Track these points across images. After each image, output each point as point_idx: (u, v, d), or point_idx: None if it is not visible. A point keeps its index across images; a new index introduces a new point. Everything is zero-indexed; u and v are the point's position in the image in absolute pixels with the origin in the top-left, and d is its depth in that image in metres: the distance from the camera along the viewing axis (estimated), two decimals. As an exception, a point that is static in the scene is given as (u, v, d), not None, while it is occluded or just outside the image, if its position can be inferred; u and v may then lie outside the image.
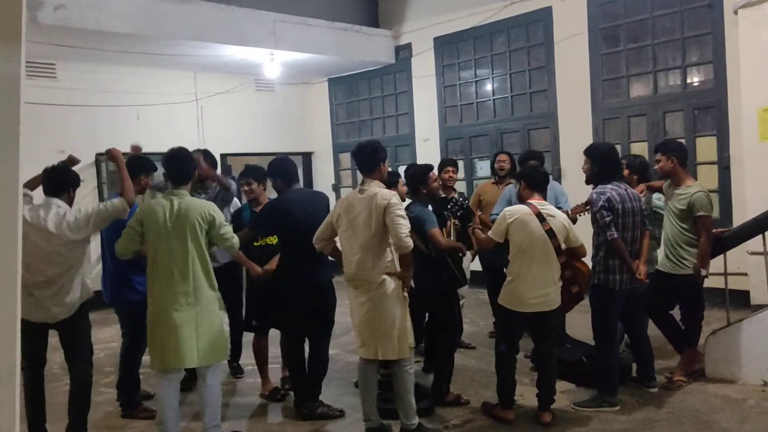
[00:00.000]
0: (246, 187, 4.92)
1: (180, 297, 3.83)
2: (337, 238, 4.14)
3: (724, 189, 6.85)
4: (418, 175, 4.63)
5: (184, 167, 4.08)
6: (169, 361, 3.87)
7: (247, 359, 5.38)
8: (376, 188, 3.92)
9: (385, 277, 3.88)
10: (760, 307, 5.49)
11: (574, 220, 4.58)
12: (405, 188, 4.85)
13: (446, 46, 9.52)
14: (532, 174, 4.44)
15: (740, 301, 5.92)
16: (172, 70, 9.38)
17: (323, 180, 11.30)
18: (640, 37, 7.59)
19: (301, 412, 4.54)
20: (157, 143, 8.75)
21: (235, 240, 4.04)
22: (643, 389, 4.67)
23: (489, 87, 9.19)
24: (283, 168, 4.63)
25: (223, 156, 10.06)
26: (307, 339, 4.61)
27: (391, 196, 3.86)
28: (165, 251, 3.84)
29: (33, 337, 3.92)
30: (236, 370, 5.56)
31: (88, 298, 4.07)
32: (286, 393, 4.93)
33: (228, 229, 4.01)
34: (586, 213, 5.24)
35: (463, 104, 9.48)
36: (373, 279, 3.88)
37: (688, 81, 7.36)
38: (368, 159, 4.03)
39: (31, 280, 3.81)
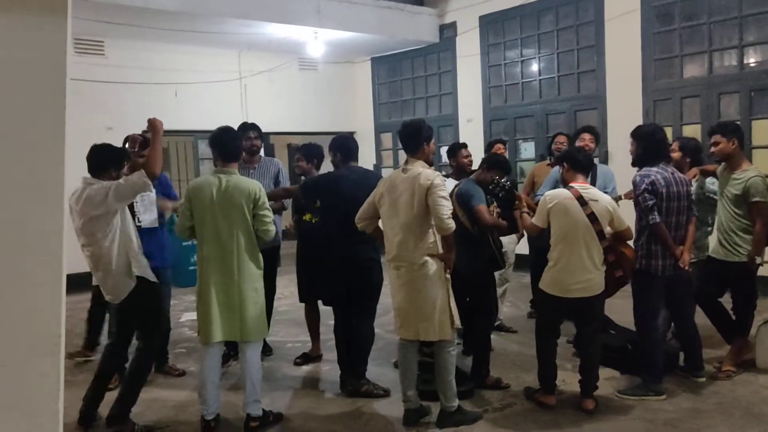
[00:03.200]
0: (297, 163, 5.21)
1: (225, 273, 3.90)
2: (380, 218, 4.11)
3: (781, 174, 6.58)
4: (450, 149, 4.73)
5: (233, 145, 4.13)
6: (212, 335, 3.92)
7: (277, 337, 5.45)
8: (420, 168, 3.87)
9: (427, 258, 3.83)
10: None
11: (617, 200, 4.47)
12: (467, 159, 5.19)
13: (492, 25, 9.33)
14: (575, 156, 4.34)
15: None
16: (216, 48, 9.43)
17: (364, 160, 11.19)
18: (696, 15, 7.31)
19: (346, 389, 4.56)
20: (201, 121, 8.89)
21: (272, 228, 4.04)
22: (691, 378, 4.54)
23: (535, 67, 9.00)
24: (344, 144, 4.66)
25: (266, 135, 10.09)
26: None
27: (435, 176, 3.80)
28: (211, 228, 3.91)
29: (113, 313, 4.14)
30: (265, 349, 5.64)
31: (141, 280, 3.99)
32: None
33: (269, 213, 4.02)
34: (635, 197, 5.12)
35: (508, 84, 9.31)
36: (415, 260, 3.84)
37: (745, 61, 7.06)
38: (412, 138, 3.97)
39: (87, 259, 3.92)
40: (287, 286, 7.00)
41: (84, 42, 8.44)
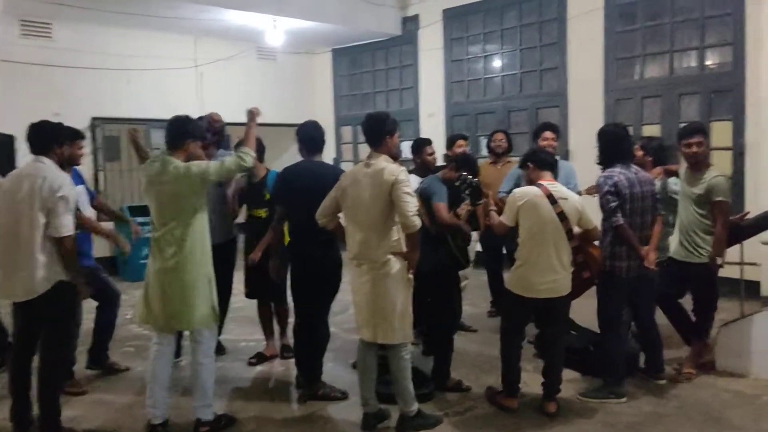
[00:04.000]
0: None
1: (165, 259, 3.76)
2: (341, 214, 3.94)
3: (738, 176, 6.65)
4: (414, 145, 4.64)
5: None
6: (149, 319, 3.86)
7: (230, 336, 5.36)
8: (384, 163, 3.71)
9: (390, 256, 3.68)
10: (771, 299, 5.36)
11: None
12: (432, 156, 5.03)
13: (455, 19, 9.24)
14: (539, 155, 4.25)
15: (750, 291, 5.75)
16: (172, 33, 9.11)
17: (324, 153, 11.00)
18: (658, 15, 7.34)
19: (303, 392, 4.40)
20: (155, 109, 8.56)
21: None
22: (651, 380, 4.51)
23: (498, 63, 8.94)
24: (307, 134, 4.45)
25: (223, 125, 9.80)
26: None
27: (400, 171, 3.65)
28: (155, 213, 3.83)
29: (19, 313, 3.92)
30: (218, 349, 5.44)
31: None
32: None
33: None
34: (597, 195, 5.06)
35: (470, 80, 9.24)
36: (377, 258, 3.68)
37: (706, 63, 7.11)
38: (376, 131, 3.81)
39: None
40: (241, 281, 6.77)
41: (30, 24, 8.03)
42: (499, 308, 6.16)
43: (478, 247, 6.11)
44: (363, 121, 3.89)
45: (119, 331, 5.21)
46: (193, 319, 3.81)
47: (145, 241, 8.58)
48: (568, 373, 4.51)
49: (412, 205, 3.61)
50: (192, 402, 3.88)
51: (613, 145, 4.29)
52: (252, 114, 4.24)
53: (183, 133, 3.91)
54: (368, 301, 3.74)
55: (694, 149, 4.50)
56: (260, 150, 4.90)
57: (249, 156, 3.94)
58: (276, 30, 8.77)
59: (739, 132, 6.71)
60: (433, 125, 9.40)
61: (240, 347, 5.50)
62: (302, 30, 9.20)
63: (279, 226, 4.46)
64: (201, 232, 3.83)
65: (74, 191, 3.83)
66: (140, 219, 8.46)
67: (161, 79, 9.06)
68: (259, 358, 5.15)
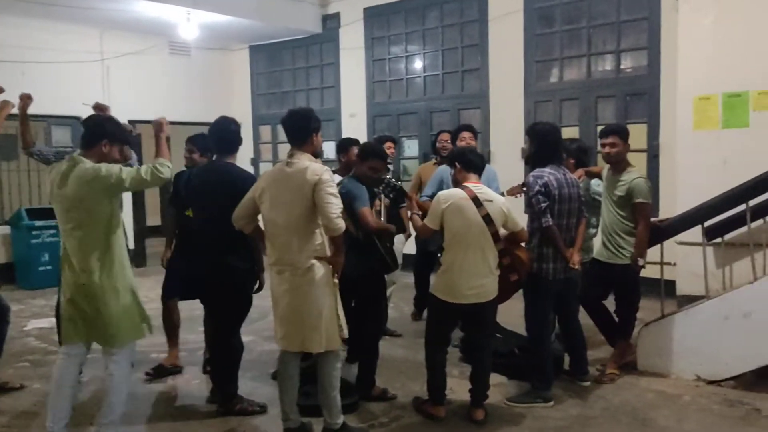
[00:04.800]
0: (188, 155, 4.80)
1: (78, 271, 3.47)
2: (260, 217, 3.68)
3: (653, 178, 6.80)
4: (340, 144, 4.51)
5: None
6: (67, 335, 3.56)
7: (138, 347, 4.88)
8: (307, 162, 3.49)
9: (314, 261, 3.47)
10: (686, 298, 5.48)
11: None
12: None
13: (377, 18, 9.10)
14: (468, 155, 4.13)
15: (666, 290, 5.86)
16: (75, 25, 8.53)
17: (241, 153, 10.46)
18: (576, 19, 7.44)
19: (218, 407, 4.11)
20: (56, 105, 7.97)
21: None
22: (576, 382, 4.49)
23: (420, 63, 8.87)
24: (217, 132, 4.13)
25: (131, 123, 9.26)
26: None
27: (323, 171, 3.44)
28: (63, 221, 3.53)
29: None
30: None
31: None
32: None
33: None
34: (521, 195, 5.02)
35: (392, 80, 9.13)
36: (300, 263, 3.46)
37: (622, 66, 7.27)
38: (300, 128, 3.58)
39: None
40: (153, 287, 6.39)
41: None
42: (421, 311, 6.07)
43: (407, 249, 5.98)
44: (285, 117, 3.65)
45: (13, 345, 4.75)
46: (118, 337, 3.53)
47: (46, 247, 7.96)
48: (494, 378, 4.40)
49: (336, 206, 3.41)
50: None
51: (550, 145, 4.24)
52: (159, 125, 3.89)
53: (100, 133, 3.59)
54: (292, 309, 3.52)
55: (607, 150, 4.55)
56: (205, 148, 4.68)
57: (166, 167, 3.62)
58: (190, 23, 8.36)
59: (653, 134, 6.89)
60: (355, 125, 9.22)
61: (150, 358, 5.11)
62: (218, 24, 8.83)
63: (171, 229, 4.17)
64: (117, 240, 3.53)
65: None
66: (40, 223, 7.96)
67: (63, 74, 8.44)
68: (159, 371, 4.78)
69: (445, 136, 5.89)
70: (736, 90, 5.48)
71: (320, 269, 3.48)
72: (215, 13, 8.23)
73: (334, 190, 3.46)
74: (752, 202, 4.58)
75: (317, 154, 3.63)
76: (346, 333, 3.63)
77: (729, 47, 5.51)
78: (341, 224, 3.41)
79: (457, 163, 4.08)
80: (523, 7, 7.69)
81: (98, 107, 4.17)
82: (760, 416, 3.94)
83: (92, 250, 3.44)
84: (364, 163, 4.19)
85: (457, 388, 4.31)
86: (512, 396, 4.29)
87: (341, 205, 3.48)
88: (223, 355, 4.09)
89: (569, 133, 7.28)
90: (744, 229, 4.64)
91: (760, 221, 4.71)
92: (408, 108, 8.95)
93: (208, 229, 3.95)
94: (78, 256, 3.45)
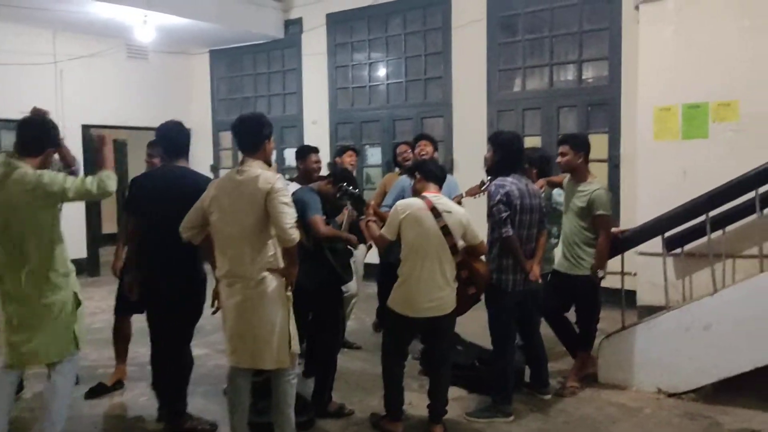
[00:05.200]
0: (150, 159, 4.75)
1: (15, 284, 3.33)
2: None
3: (614, 188, 6.82)
4: (298, 151, 4.48)
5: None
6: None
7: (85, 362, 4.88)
8: (258, 170, 3.35)
9: (266, 273, 3.32)
10: (646, 308, 5.46)
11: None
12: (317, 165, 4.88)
13: (339, 24, 8.99)
14: (428, 166, 4.05)
15: (626, 301, 5.86)
16: (26, 25, 8.25)
17: (201, 160, 10.40)
18: (539, 29, 7.43)
19: (166, 428, 3.92)
20: (5, 109, 7.68)
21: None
22: (537, 396, 4.42)
23: (383, 71, 8.78)
24: (166, 135, 3.96)
25: (86, 127, 9.00)
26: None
27: (276, 179, 3.30)
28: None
29: None
30: None
31: None
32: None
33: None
34: (480, 195, 4.94)
35: (355, 87, 9.02)
36: (251, 276, 3.32)
37: (583, 76, 7.28)
38: (251, 134, 3.43)
39: None
40: (106, 298, 6.17)
41: None
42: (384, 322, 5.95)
43: (369, 259, 5.87)
44: (235, 123, 3.49)
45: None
46: (51, 353, 3.37)
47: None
48: (454, 391, 4.32)
49: (290, 216, 3.27)
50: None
51: (513, 154, 4.18)
52: (102, 139, 3.74)
53: (45, 139, 3.44)
54: (243, 324, 3.36)
55: (558, 159, 4.56)
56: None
57: (112, 181, 3.49)
58: (146, 26, 8.12)
59: (615, 144, 6.90)
60: (317, 132, 9.08)
61: (98, 374, 4.89)
62: (176, 27, 8.61)
63: (133, 238, 3.95)
64: (57, 250, 3.36)
65: None
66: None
67: (12, 76, 8.14)
68: (100, 389, 4.57)
69: (404, 148, 5.81)
70: (695, 101, 5.50)
71: (273, 281, 3.33)
72: (173, 15, 8.00)
73: (288, 199, 3.32)
74: (712, 213, 4.57)
75: (269, 161, 3.49)
76: (297, 348, 3.49)
77: (689, 58, 5.54)
78: (295, 235, 3.27)
79: (417, 174, 3.99)
80: (487, 15, 7.66)
81: (37, 112, 3.97)
82: (721, 430, 3.91)
83: (30, 261, 3.27)
84: (334, 186, 4.14)
85: (417, 402, 4.21)
86: (472, 410, 4.20)
87: (295, 215, 3.34)
88: (173, 369, 3.90)
89: (532, 142, 7.24)
90: (704, 239, 4.64)
91: (719, 232, 4.71)
92: (371, 115, 8.85)
93: (160, 236, 3.77)
94: (14, 267, 3.28)
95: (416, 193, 3.94)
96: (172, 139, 3.95)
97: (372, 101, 8.87)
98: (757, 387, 4.23)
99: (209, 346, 5.38)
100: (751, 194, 4.49)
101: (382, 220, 3.96)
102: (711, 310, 4.28)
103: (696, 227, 4.71)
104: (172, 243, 3.56)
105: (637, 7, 5.88)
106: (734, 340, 4.16)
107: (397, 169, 6.01)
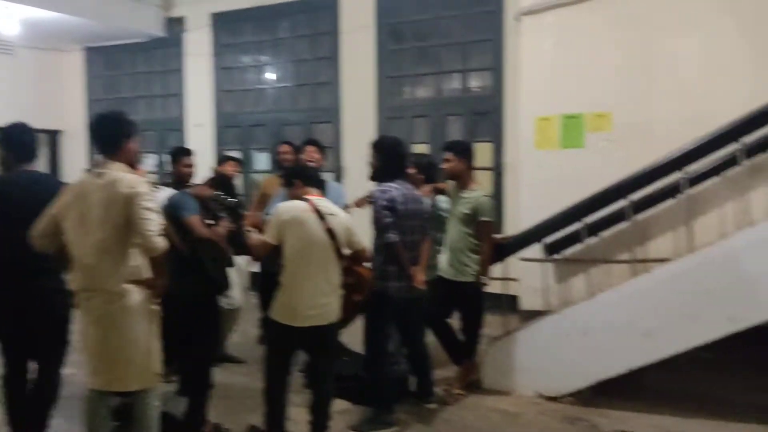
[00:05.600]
0: None
1: None
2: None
3: (498, 195, 6.95)
4: (171, 154, 4.30)
5: None
6: None
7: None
8: (119, 173, 3.07)
9: (128, 286, 3.06)
10: (528, 313, 5.56)
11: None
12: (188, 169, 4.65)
13: (225, 25, 8.67)
14: (306, 171, 3.96)
15: (510, 306, 5.96)
16: None
17: (73, 163, 9.75)
18: (426, 37, 7.48)
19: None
20: None
21: None
22: (422, 405, 4.36)
23: (271, 74, 8.54)
24: (14, 138, 3.60)
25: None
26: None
27: (139, 183, 3.04)
28: None
29: None
30: None
31: None
32: None
33: None
34: (367, 206, 4.85)
35: (242, 90, 8.72)
36: (112, 288, 3.04)
37: (468, 86, 7.38)
38: (109, 134, 3.16)
39: None
40: None
41: None
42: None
43: (252, 268, 5.63)
44: (92, 122, 3.21)
45: None
46: None
47: None
48: (338, 404, 4.18)
49: (154, 223, 3.02)
50: None
51: (396, 159, 4.11)
52: None
53: None
54: (101, 342, 3.09)
55: (443, 165, 4.62)
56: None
57: None
58: (10, 18, 7.48)
59: (498, 153, 7.03)
60: (201, 136, 8.70)
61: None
62: (45, 21, 7.99)
63: None
64: None
65: None
66: None
67: None
68: None
69: (286, 148, 5.62)
70: (573, 112, 5.67)
71: (136, 295, 3.07)
72: (39, 8, 7.41)
73: (152, 204, 3.07)
74: (588, 220, 4.70)
75: (132, 163, 3.22)
76: (159, 367, 3.23)
77: (567, 70, 5.70)
78: (160, 243, 3.02)
79: (296, 180, 3.82)
80: (375, 21, 7.61)
81: None
82: (597, 432, 4.00)
83: None
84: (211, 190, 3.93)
85: (300, 417, 4.02)
86: (355, 423, 4.07)
87: (161, 221, 3.09)
88: (46, 392, 3.53)
89: (420, 150, 7.26)
90: (582, 245, 4.76)
91: (595, 237, 4.86)
92: (258, 119, 8.58)
93: (13, 248, 3.39)
94: None
95: (297, 198, 3.78)
96: (22, 141, 3.60)
97: (259, 105, 8.61)
98: (633, 389, 4.37)
99: (73, 365, 4.94)
100: (624, 201, 4.66)
101: (256, 227, 3.78)
102: (588, 314, 4.39)
103: (574, 233, 4.83)
104: (26, 252, 3.21)
105: (517, 19, 6.01)
106: (610, 343, 4.28)
107: (279, 171, 5.81)
